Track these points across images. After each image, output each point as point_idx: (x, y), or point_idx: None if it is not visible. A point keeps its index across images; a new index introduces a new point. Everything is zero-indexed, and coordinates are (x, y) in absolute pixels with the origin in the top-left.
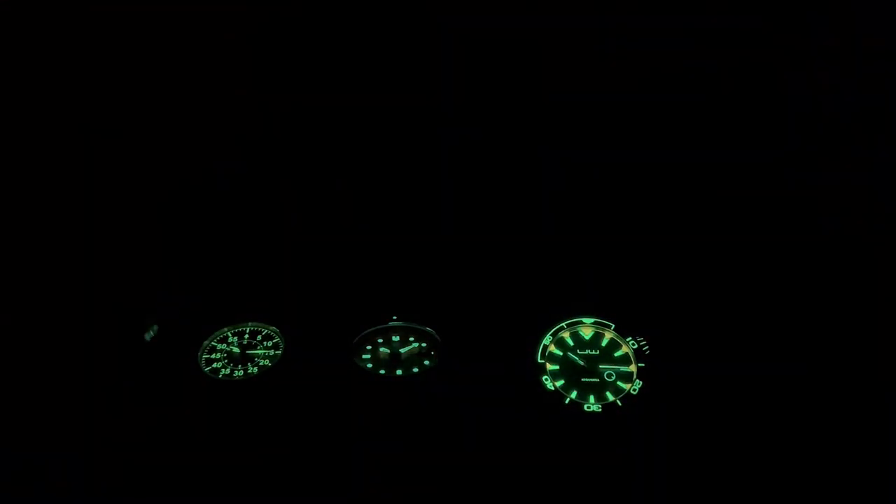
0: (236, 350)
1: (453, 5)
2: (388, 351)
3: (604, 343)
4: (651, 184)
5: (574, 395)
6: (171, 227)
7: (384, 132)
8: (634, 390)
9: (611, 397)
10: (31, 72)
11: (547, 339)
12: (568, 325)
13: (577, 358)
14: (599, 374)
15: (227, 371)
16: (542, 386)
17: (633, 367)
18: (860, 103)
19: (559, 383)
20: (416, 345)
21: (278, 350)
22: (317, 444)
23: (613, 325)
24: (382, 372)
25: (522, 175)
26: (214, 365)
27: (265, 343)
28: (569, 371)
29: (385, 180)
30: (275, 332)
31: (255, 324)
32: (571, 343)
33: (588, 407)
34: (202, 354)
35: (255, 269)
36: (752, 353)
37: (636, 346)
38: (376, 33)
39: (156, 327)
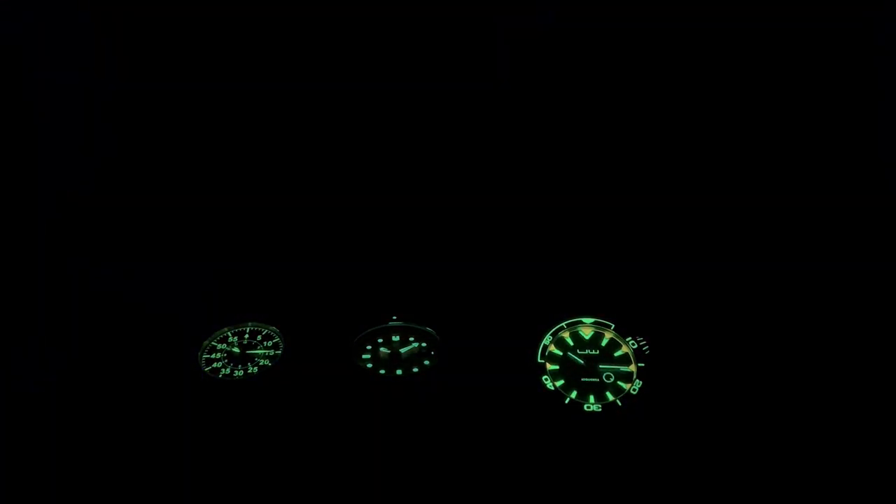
0: (236, 350)
1: None
2: (388, 351)
3: (604, 343)
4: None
5: (574, 395)
6: None
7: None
8: (634, 390)
9: (611, 397)
10: None
11: (547, 339)
12: (568, 325)
13: (577, 358)
14: (599, 375)
15: (227, 371)
16: (543, 386)
17: (632, 367)
18: None
19: (559, 383)
20: (416, 345)
21: (278, 350)
22: (317, 444)
23: (613, 325)
24: (382, 372)
25: (520, 172)
26: (214, 365)
27: (265, 343)
28: (569, 371)
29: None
30: (275, 332)
31: (254, 324)
32: (571, 343)
33: (588, 407)
34: (202, 354)
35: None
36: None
37: (636, 346)
38: None
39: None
